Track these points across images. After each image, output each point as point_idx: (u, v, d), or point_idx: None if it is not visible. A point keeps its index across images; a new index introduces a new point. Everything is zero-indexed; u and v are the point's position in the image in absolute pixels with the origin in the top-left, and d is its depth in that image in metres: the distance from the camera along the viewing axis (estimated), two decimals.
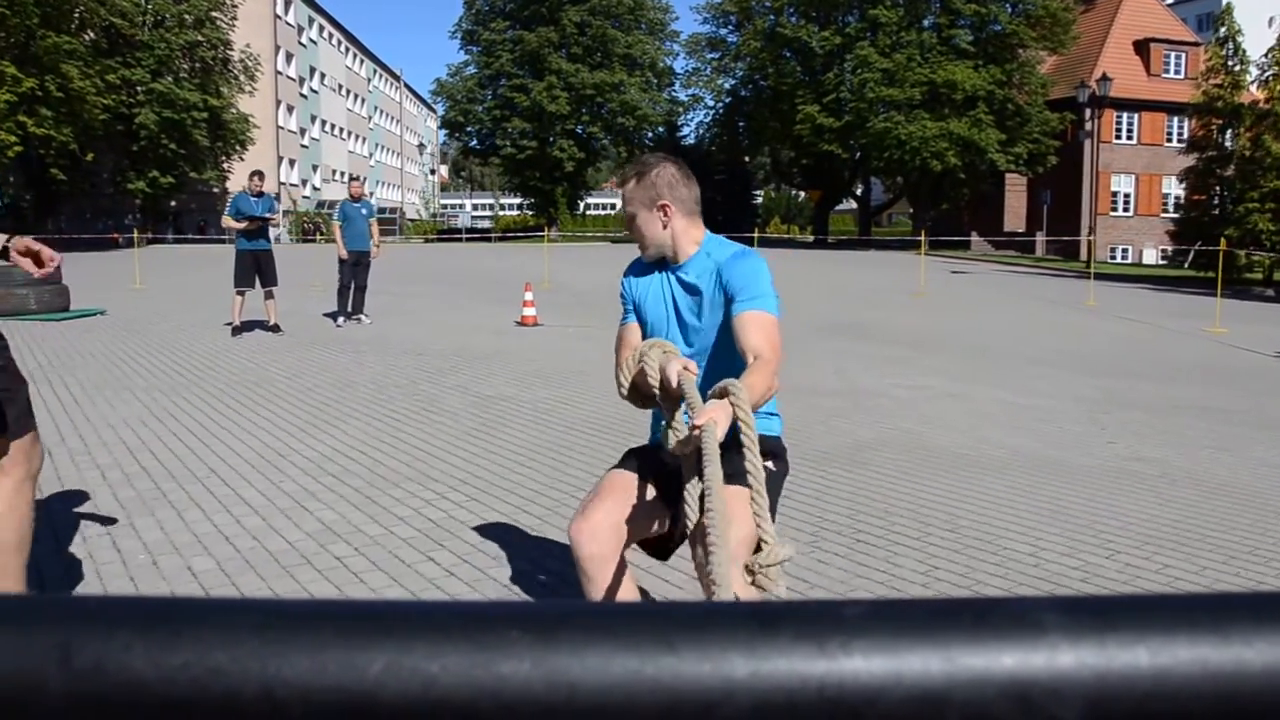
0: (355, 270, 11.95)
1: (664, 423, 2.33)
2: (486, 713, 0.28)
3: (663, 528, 2.68)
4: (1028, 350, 11.47)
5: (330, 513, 4.43)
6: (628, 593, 2.54)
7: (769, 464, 2.51)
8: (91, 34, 34.09)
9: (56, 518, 4.17)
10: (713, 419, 1.99)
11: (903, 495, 4.89)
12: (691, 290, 2.62)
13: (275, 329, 10.96)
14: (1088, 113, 38.23)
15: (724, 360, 2.53)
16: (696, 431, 1.98)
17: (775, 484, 2.60)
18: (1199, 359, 11.57)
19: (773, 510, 2.40)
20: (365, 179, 63.58)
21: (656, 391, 2.33)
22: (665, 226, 2.62)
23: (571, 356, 9.68)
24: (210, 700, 0.27)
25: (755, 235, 26.73)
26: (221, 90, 38.67)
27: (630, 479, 2.60)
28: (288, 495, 4.70)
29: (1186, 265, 27.44)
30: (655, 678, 0.28)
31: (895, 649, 0.29)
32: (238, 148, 40.06)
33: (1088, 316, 16.34)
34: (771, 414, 2.68)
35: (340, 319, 11.90)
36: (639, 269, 2.77)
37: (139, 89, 35.87)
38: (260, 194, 10.98)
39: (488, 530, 4.20)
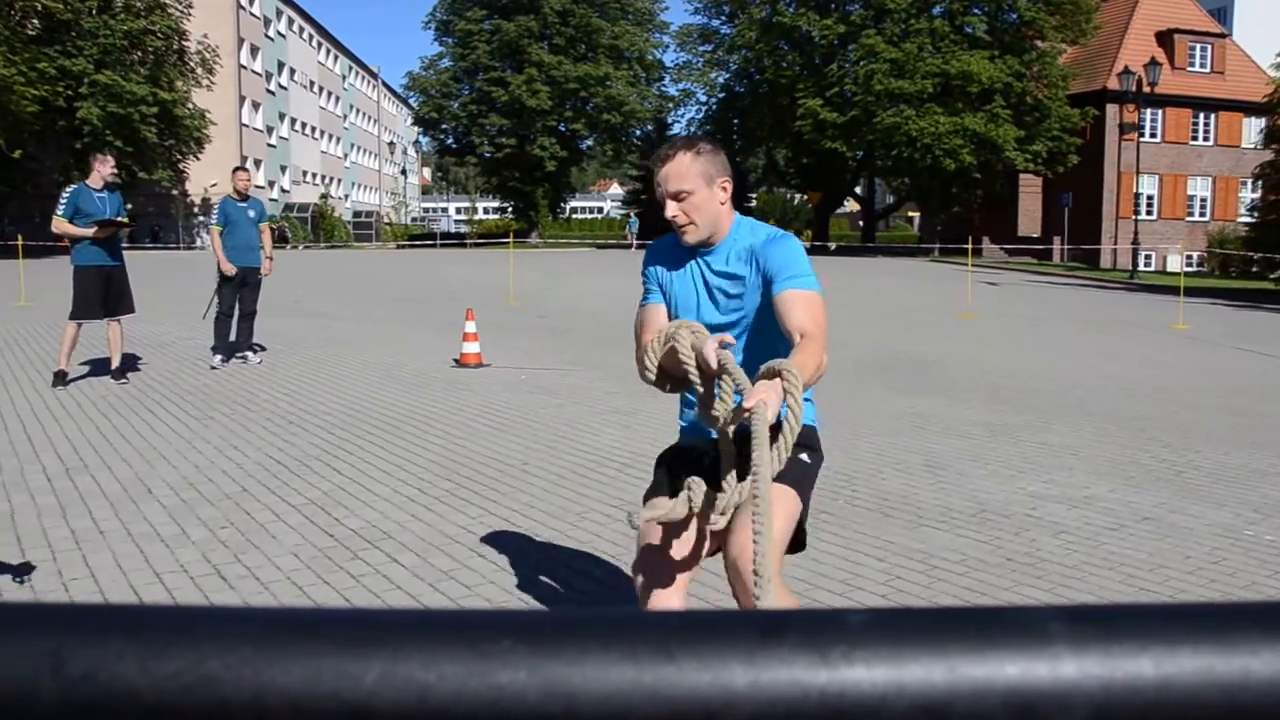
0: (241, 292, 8.85)
1: (697, 404, 2.34)
2: None
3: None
4: (1176, 413, 7.88)
5: None
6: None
7: (803, 455, 2.50)
8: (36, 22, 30.92)
9: None
10: (763, 400, 1.98)
11: None
12: (728, 275, 2.54)
13: (119, 374, 7.84)
14: (1109, 108, 35.40)
15: (761, 343, 2.49)
16: (747, 415, 1.97)
17: (811, 475, 2.56)
18: None
19: (807, 504, 2.50)
20: (342, 180, 60.55)
21: (691, 373, 2.26)
22: (724, 204, 2.56)
23: (514, 428, 6.64)
24: (202, 709, 0.27)
25: None
26: (175, 84, 35.50)
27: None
28: None
29: None
30: (654, 687, 0.29)
31: (898, 658, 0.30)
32: (193, 145, 36.94)
33: (1201, 350, 12.71)
34: (804, 400, 2.58)
35: (218, 358, 8.82)
36: (664, 252, 2.67)
37: (83, 80, 32.62)
38: (109, 187, 7.78)
39: None
